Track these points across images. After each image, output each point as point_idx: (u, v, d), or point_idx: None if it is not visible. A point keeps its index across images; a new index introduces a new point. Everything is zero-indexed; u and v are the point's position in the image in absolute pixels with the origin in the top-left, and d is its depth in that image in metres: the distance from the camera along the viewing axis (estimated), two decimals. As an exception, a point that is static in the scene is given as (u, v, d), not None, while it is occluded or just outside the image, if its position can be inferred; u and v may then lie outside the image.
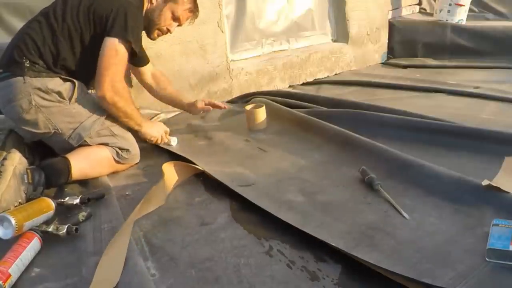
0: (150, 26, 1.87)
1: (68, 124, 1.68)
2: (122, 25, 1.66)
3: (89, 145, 1.71)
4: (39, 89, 1.63)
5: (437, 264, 1.08)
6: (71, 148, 1.70)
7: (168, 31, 1.92)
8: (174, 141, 1.99)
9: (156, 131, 1.91)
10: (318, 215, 1.36)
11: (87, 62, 1.71)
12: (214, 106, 2.14)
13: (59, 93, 1.67)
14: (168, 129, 1.99)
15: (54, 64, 1.68)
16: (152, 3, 1.84)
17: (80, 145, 1.71)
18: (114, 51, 1.66)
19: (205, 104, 2.10)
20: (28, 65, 1.63)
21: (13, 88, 1.62)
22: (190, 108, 2.13)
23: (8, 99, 1.64)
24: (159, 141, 1.94)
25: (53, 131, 1.67)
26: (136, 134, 1.88)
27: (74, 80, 1.71)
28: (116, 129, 1.78)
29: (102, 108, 1.75)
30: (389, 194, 1.41)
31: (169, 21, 1.88)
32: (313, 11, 3.25)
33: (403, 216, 1.29)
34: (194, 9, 1.94)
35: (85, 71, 1.74)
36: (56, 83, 1.67)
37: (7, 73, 1.65)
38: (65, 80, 1.70)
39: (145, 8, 1.84)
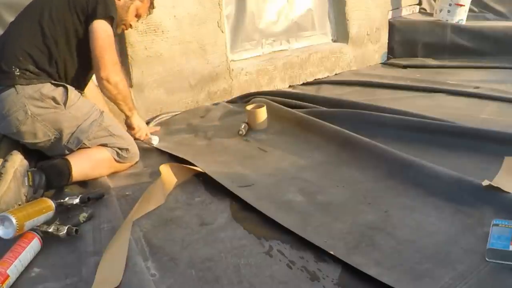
0: (118, 21, 1.88)
1: (65, 129, 1.66)
2: (104, 7, 1.67)
3: (88, 147, 1.70)
4: (33, 97, 1.60)
5: (437, 264, 1.08)
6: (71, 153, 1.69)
7: (130, 26, 1.97)
8: (155, 140, 2.03)
9: (143, 124, 1.98)
10: (318, 215, 1.36)
11: (79, 56, 1.71)
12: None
13: (53, 99, 1.64)
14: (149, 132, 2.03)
15: (48, 64, 1.65)
16: (120, 0, 1.86)
17: (80, 148, 1.70)
18: (105, 33, 1.68)
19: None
20: (18, 73, 1.59)
21: (6, 102, 1.58)
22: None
23: (2, 114, 1.59)
24: (141, 136, 1.98)
25: (52, 137, 1.65)
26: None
27: (66, 85, 1.69)
28: (113, 128, 1.77)
29: (98, 110, 1.74)
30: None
31: (133, 17, 1.94)
32: (313, 11, 3.25)
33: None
34: (152, 6, 2.02)
35: (78, 68, 1.73)
36: (48, 88, 1.64)
37: None
38: (56, 85, 1.67)
39: None
